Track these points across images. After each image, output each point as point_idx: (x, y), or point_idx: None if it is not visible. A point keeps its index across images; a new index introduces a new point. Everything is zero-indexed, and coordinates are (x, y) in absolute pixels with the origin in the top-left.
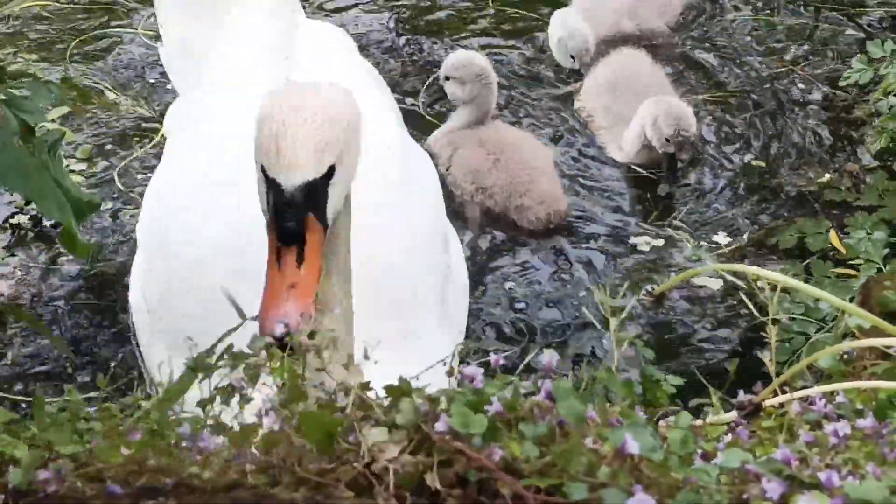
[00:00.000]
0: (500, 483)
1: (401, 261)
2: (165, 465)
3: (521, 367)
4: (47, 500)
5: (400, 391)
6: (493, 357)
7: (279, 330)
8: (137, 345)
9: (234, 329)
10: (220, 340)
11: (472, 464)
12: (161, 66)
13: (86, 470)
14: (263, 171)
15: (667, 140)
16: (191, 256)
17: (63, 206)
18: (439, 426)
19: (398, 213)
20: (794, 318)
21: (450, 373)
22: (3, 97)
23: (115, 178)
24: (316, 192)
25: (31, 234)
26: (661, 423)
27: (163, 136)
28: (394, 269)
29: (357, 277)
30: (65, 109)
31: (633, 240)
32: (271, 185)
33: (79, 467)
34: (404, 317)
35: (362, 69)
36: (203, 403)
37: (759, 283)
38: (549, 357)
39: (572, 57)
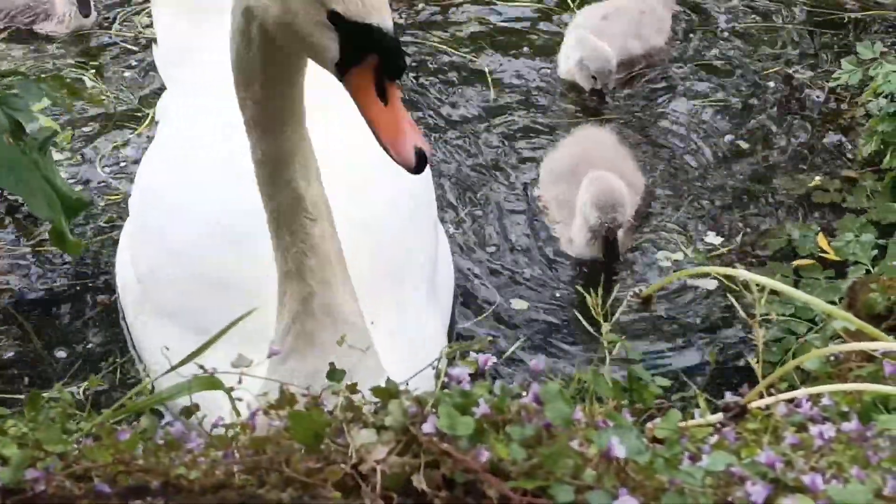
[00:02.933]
0: (486, 485)
1: (395, 236)
2: (153, 464)
3: (507, 353)
4: (36, 499)
5: (388, 393)
6: (480, 358)
7: (414, 156)
8: (124, 318)
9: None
10: (214, 339)
11: (458, 465)
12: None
13: (74, 469)
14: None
15: (596, 228)
16: (183, 227)
17: (53, 204)
18: (426, 427)
19: (392, 192)
20: (784, 319)
21: (437, 375)
22: None
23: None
24: None
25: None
26: (649, 424)
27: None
28: (388, 244)
29: (355, 250)
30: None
31: None
32: (355, 33)
33: (67, 466)
34: (397, 288)
35: None
36: (189, 412)
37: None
38: (536, 361)
39: (594, 77)
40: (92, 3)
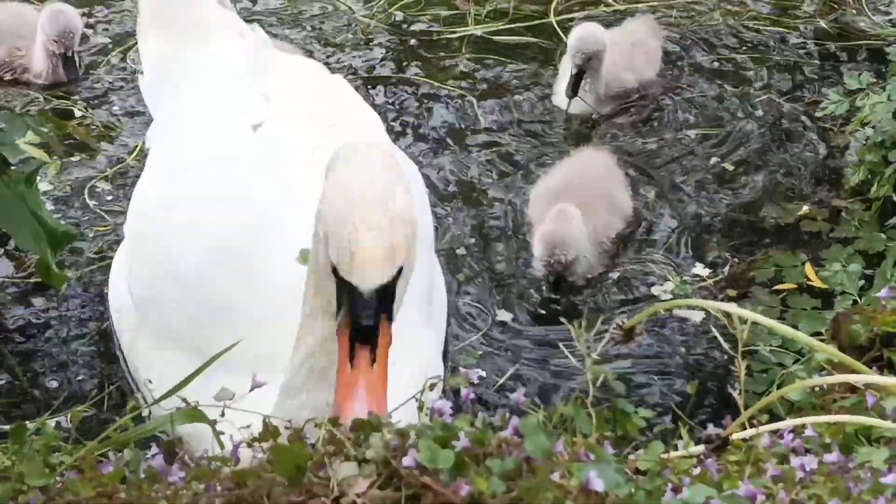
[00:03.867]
0: None
1: None
2: (135, 498)
3: (498, 383)
4: None
5: (369, 426)
6: (463, 392)
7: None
8: (119, 346)
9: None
10: (200, 369)
11: (439, 499)
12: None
13: (56, 502)
14: (334, 270)
15: (543, 265)
16: (181, 251)
17: (39, 238)
18: (407, 461)
19: None
20: (770, 350)
21: (420, 407)
22: None
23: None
24: (389, 291)
25: None
26: (632, 456)
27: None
28: None
29: None
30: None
31: None
32: (344, 287)
33: (49, 500)
34: (398, 317)
35: (340, 87)
36: (169, 445)
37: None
38: (517, 394)
39: (584, 54)
40: (78, 64)
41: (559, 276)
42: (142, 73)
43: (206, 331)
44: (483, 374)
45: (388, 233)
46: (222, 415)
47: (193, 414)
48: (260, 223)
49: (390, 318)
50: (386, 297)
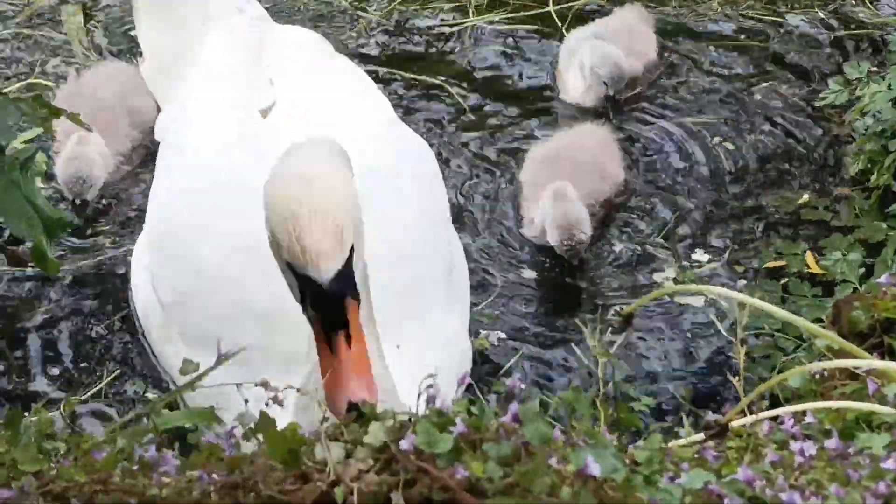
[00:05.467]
0: (463, 502)
1: (411, 245)
2: (129, 485)
3: (501, 371)
4: None
5: (368, 416)
6: (458, 378)
7: (344, 409)
8: (144, 336)
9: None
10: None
11: (436, 483)
12: None
13: (50, 488)
14: (290, 266)
15: (559, 247)
16: (208, 251)
17: (34, 225)
18: (404, 444)
19: (403, 200)
20: (771, 336)
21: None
22: None
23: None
24: (347, 274)
25: None
26: (632, 447)
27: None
28: (405, 254)
29: (372, 263)
30: (38, 130)
31: None
32: (303, 280)
33: (43, 485)
34: (418, 296)
35: (346, 68)
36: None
37: (736, 304)
38: (512, 380)
39: (605, 84)
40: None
41: (579, 254)
42: (141, 57)
43: (230, 329)
44: (503, 335)
45: (332, 219)
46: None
47: (206, 414)
48: None
49: (356, 296)
50: (344, 278)
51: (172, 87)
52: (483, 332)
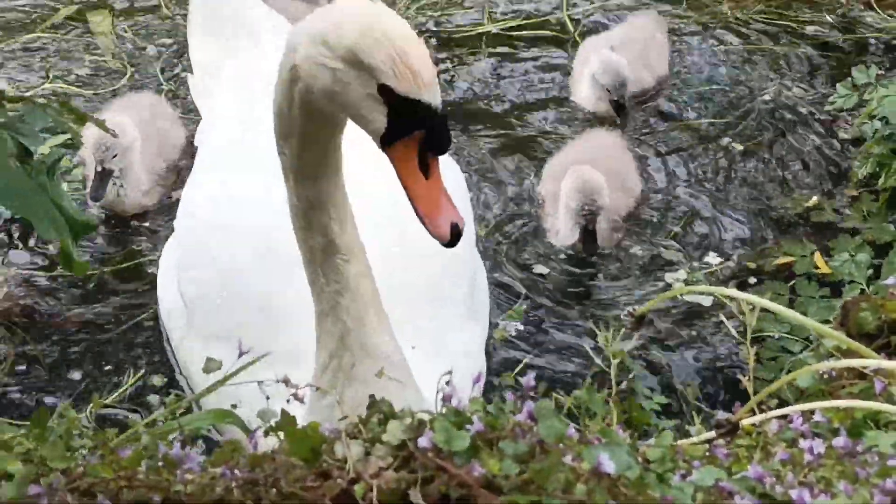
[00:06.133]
0: (480, 499)
1: (439, 258)
2: (154, 480)
3: (517, 369)
4: None
5: (386, 414)
6: (473, 378)
7: (449, 231)
8: (168, 342)
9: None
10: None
11: (453, 480)
12: None
13: (77, 484)
14: (385, 94)
15: (577, 213)
16: (230, 252)
17: (60, 227)
18: (422, 442)
19: None
20: (780, 337)
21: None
22: (1, 120)
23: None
24: None
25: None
26: (643, 446)
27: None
28: (432, 265)
29: (400, 271)
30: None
31: None
32: (406, 106)
33: (71, 482)
34: (438, 311)
35: None
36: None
37: (745, 305)
38: (527, 379)
39: (608, 90)
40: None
41: (591, 226)
42: (191, 72)
43: (250, 329)
44: (521, 326)
45: (422, 44)
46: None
47: (225, 414)
48: None
49: None
50: None
51: (211, 101)
52: (501, 324)
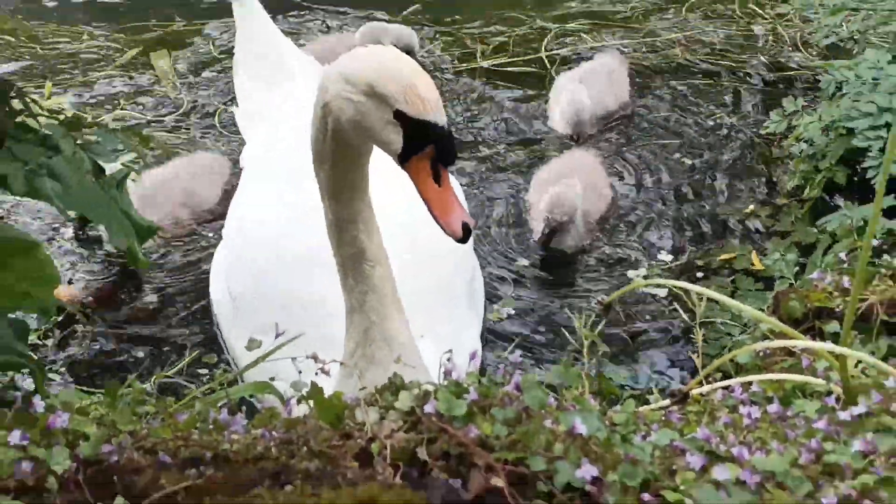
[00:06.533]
0: (475, 456)
1: (444, 252)
2: (206, 440)
3: (510, 348)
4: (110, 469)
5: (398, 387)
6: (469, 355)
7: (461, 229)
8: (218, 327)
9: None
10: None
11: (453, 440)
12: None
13: (142, 444)
14: (401, 118)
15: (546, 219)
16: (269, 256)
17: (128, 231)
18: (428, 409)
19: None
20: (723, 323)
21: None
22: (80, 143)
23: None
24: None
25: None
26: (611, 412)
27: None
28: (438, 260)
29: (410, 265)
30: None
31: None
32: (418, 127)
33: (137, 442)
34: (445, 303)
35: None
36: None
37: (694, 295)
38: (514, 355)
39: (569, 125)
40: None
41: (553, 231)
42: (236, 103)
43: (286, 320)
44: (512, 311)
45: (428, 77)
46: (300, 372)
47: (265, 386)
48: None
49: None
50: None
51: (253, 129)
52: (496, 307)
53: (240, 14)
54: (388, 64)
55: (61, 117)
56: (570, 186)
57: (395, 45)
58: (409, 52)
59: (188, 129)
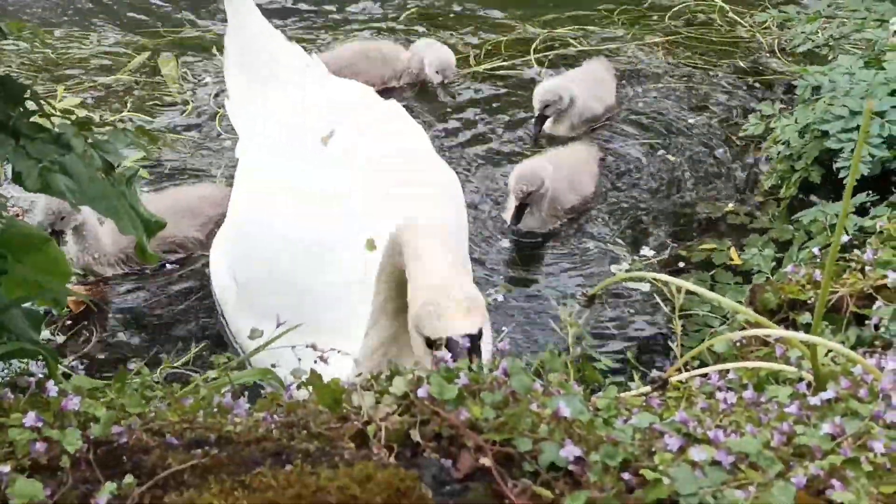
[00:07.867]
0: (465, 437)
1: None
2: (210, 423)
3: (500, 337)
4: (119, 449)
5: (394, 372)
6: (460, 341)
7: None
8: (223, 315)
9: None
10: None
11: (444, 422)
12: None
13: (150, 426)
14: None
15: (515, 192)
16: (273, 244)
17: (136, 225)
18: (421, 393)
19: (437, 204)
20: (702, 315)
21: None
22: (90, 141)
23: None
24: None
25: None
26: (594, 397)
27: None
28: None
29: None
30: (139, 154)
31: None
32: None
33: (145, 424)
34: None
35: (392, 109)
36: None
37: (674, 288)
38: (503, 342)
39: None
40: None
41: (523, 205)
42: (228, 98)
43: (290, 307)
44: (501, 298)
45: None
46: (300, 360)
47: (267, 372)
48: (330, 220)
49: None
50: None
51: (247, 121)
52: (490, 293)
53: (231, 7)
54: (442, 313)
55: (73, 118)
56: (541, 164)
57: (432, 65)
58: (444, 69)
59: (192, 131)
